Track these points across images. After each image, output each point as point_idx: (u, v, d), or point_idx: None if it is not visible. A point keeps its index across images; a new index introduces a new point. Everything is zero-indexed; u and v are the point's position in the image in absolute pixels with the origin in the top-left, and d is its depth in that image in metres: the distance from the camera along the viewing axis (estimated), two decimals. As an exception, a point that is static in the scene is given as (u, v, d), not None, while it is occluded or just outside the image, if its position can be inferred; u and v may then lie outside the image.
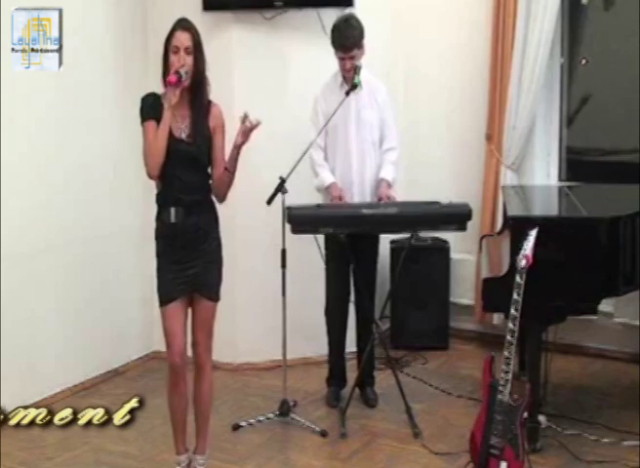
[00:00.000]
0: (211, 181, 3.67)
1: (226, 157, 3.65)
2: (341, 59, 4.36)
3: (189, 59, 3.49)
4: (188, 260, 3.57)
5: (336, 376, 4.70)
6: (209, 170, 3.66)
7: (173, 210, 3.55)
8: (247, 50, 4.99)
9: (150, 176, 3.55)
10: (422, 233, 4.91)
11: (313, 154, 4.46)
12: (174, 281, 3.57)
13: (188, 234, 3.56)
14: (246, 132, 3.56)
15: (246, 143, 3.60)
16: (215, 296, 3.67)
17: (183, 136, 3.55)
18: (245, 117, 3.57)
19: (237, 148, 3.59)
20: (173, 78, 3.44)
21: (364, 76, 4.43)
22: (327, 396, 4.68)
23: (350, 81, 4.33)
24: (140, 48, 5.09)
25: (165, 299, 3.60)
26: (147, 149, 3.50)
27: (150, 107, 3.54)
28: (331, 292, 4.60)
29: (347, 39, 4.30)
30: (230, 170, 3.62)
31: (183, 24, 3.54)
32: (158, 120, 3.49)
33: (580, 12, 5.40)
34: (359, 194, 4.47)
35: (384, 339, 4.79)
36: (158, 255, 3.64)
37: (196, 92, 3.56)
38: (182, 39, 3.50)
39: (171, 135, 3.50)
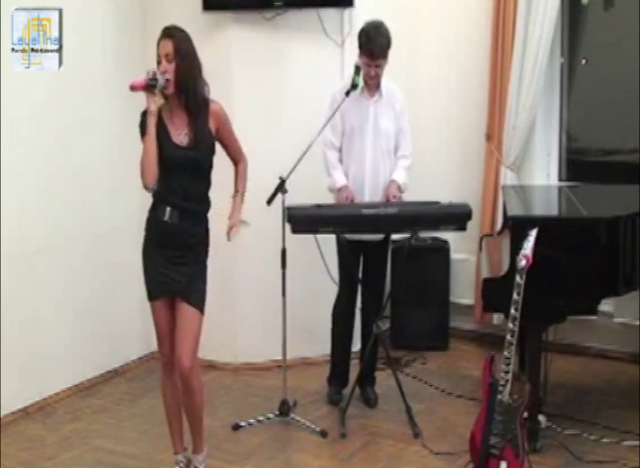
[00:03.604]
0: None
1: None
2: (367, 66, 4.33)
3: (170, 67, 3.43)
4: (176, 263, 3.55)
5: (337, 376, 4.69)
6: (210, 177, 3.64)
7: (168, 209, 3.52)
8: (247, 50, 4.99)
9: (146, 188, 3.50)
10: (422, 233, 4.91)
11: (328, 154, 4.45)
12: (159, 275, 3.56)
13: (180, 237, 3.54)
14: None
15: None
16: (200, 306, 3.60)
17: (184, 142, 3.52)
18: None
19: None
20: (135, 82, 3.38)
21: (385, 84, 4.44)
22: (328, 394, 4.68)
23: (351, 81, 4.31)
24: (140, 48, 5.08)
25: (153, 294, 3.60)
26: (140, 163, 3.46)
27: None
28: (342, 294, 4.59)
29: (376, 46, 4.27)
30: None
31: (166, 32, 3.48)
32: (159, 133, 3.47)
33: (579, 12, 5.40)
34: (371, 198, 4.44)
35: (384, 339, 4.78)
36: (145, 247, 3.63)
37: (186, 97, 3.49)
38: (163, 46, 3.45)
39: (171, 142, 3.49)
